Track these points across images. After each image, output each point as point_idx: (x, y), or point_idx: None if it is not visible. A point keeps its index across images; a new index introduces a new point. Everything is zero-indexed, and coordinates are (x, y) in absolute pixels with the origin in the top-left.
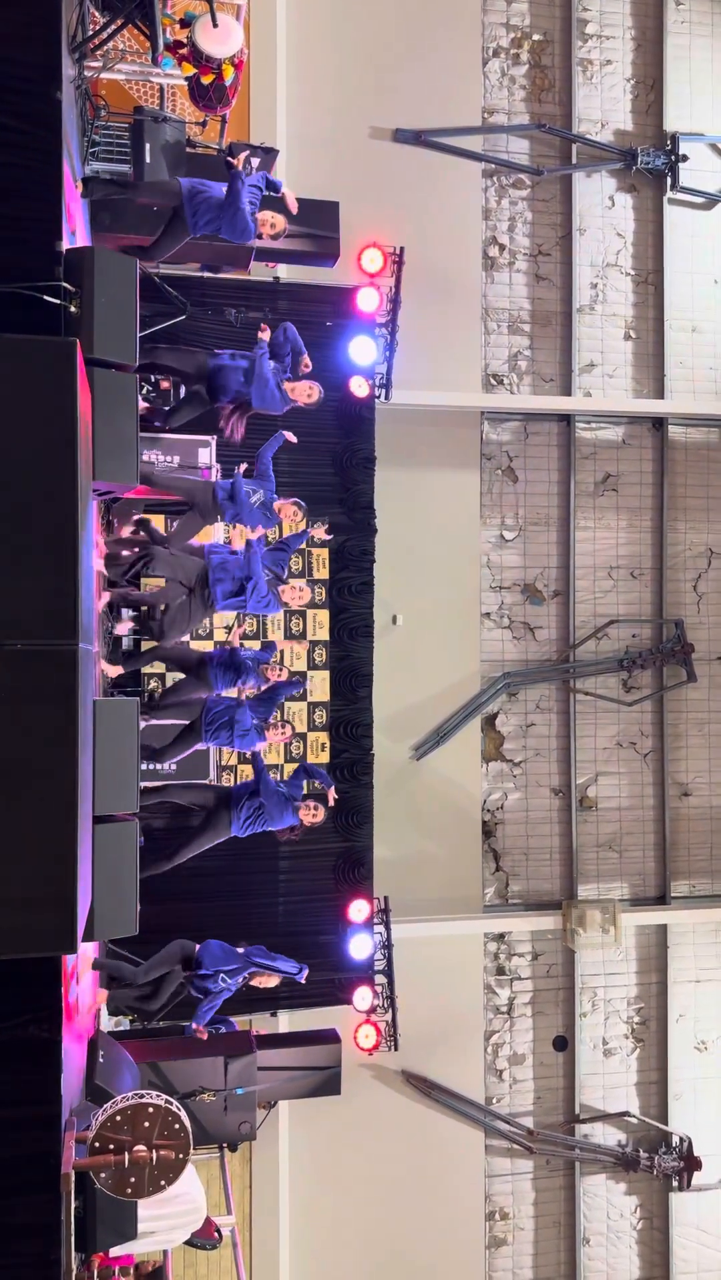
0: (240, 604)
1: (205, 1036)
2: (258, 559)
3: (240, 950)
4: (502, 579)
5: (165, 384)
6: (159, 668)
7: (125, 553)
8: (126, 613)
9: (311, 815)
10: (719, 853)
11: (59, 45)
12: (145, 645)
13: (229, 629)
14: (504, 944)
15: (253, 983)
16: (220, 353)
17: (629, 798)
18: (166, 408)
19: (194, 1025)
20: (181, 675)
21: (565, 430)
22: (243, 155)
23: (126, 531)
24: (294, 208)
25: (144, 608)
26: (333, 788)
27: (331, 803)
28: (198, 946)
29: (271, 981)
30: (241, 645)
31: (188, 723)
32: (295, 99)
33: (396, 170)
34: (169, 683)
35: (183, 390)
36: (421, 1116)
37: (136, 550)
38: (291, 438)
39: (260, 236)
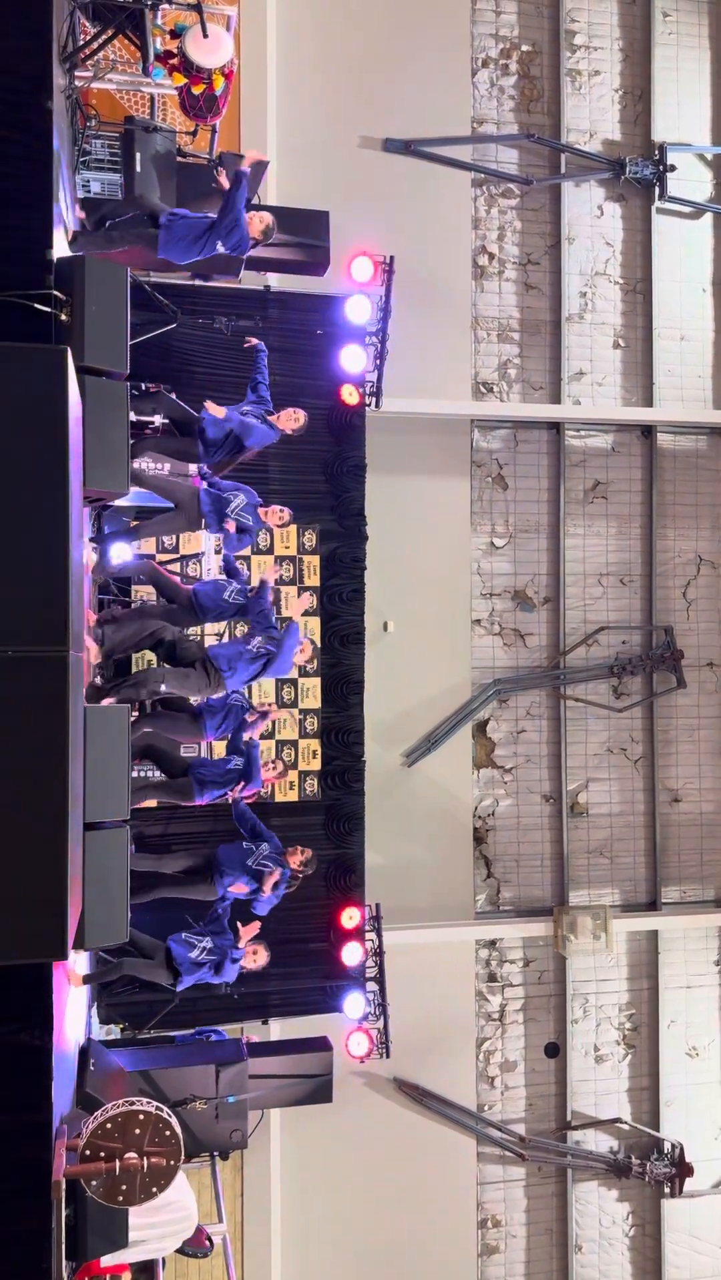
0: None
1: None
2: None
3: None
4: (493, 586)
5: (153, 385)
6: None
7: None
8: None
9: (298, 858)
10: (709, 858)
11: (49, 55)
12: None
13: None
14: (495, 951)
15: (244, 964)
16: (205, 417)
17: (619, 804)
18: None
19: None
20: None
21: (555, 438)
22: (225, 174)
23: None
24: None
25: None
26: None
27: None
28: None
29: (260, 959)
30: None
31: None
32: (285, 109)
33: (386, 180)
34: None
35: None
36: (413, 1124)
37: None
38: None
39: (255, 243)
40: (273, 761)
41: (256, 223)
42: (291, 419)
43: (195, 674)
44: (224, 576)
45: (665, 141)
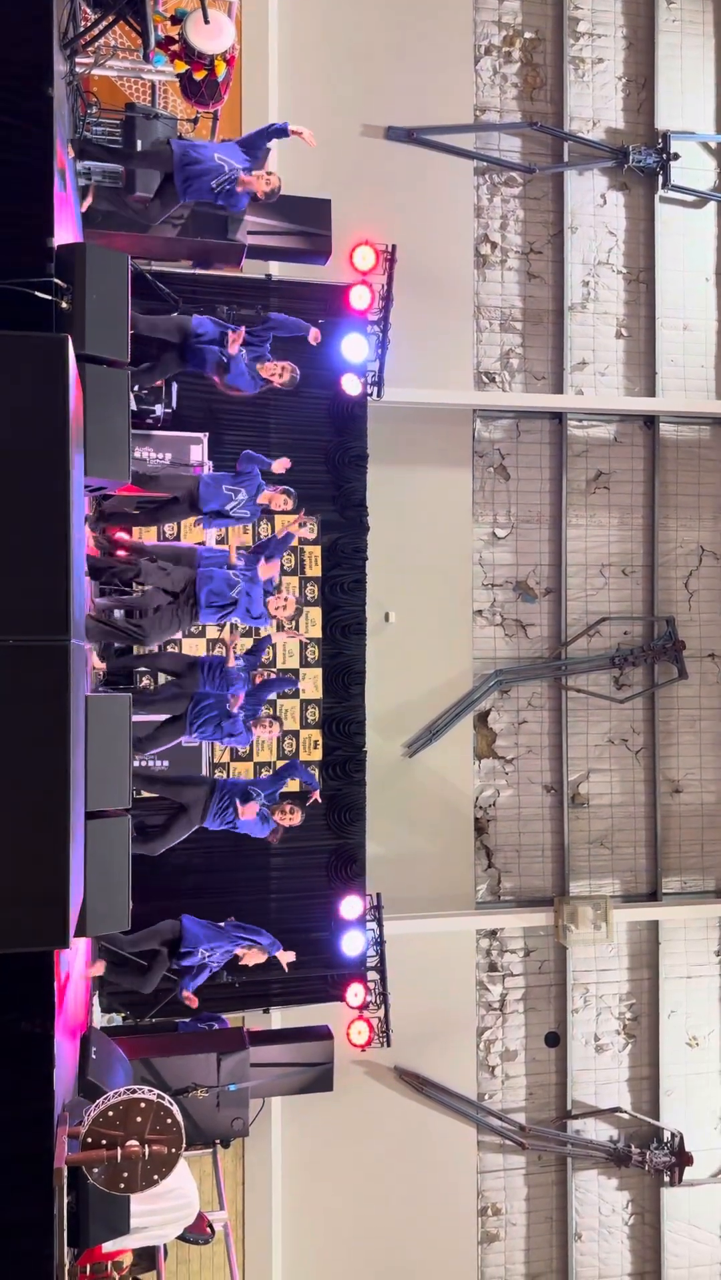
0: (226, 616)
1: (195, 1003)
2: (255, 586)
3: (221, 925)
4: (495, 576)
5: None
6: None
7: (115, 558)
8: (117, 614)
9: (288, 818)
10: (710, 849)
11: (50, 41)
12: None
13: (219, 634)
14: (496, 940)
15: (242, 960)
16: (202, 321)
17: (620, 794)
18: (145, 391)
19: (183, 991)
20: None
21: (557, 428)
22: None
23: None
24: (312, 142)
25: (131, 612)
26: (317, 790)
27: (312, 802)
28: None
29: (258, 957)
30: (237, 656)
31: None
32: (287, 96)
33: (388, 168)
34: (160, 680)
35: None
36: (414, 1112)
37: (126, 558)
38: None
39: (255, 198)
40: (269, 722)
41: (262, 182)
42: (277, 371)
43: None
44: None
45: (668, 130)
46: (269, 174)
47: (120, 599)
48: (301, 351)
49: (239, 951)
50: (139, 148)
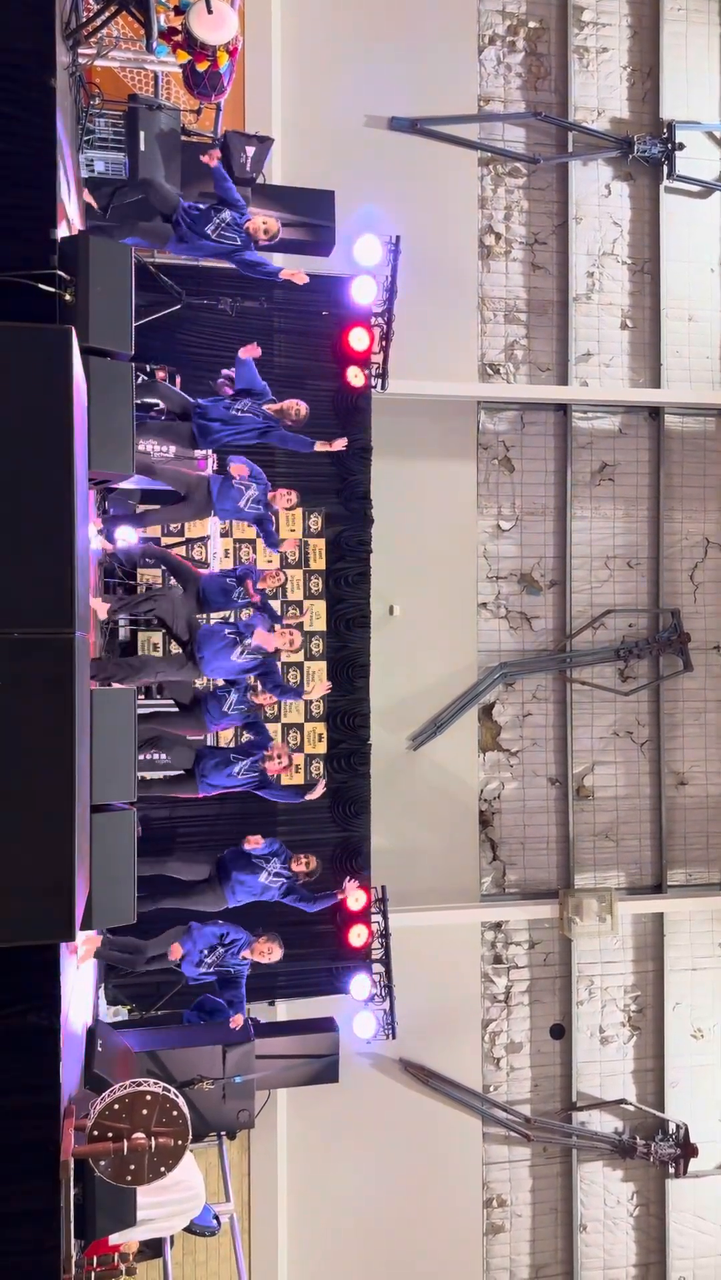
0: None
1: (240, 1024)
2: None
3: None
4: (499, 569)
5: (161, 374)
6: (155, 640)
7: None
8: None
9: (304, 867)
10: (715, 841)
11: (53, 32)
12: (141, 636)
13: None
14: (501, 933)
15: (258, 959)
16: (204, 406)
17: (625, 787)
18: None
19: (233, 1016)
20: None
21: (561, 420)
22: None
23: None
24: (303, 279)
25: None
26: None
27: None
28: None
29: (275, 955)
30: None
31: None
32: (290, 86)
33: (392, 159)
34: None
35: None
36: (419, 1105)
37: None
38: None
39: (257, 244)
40: (279, 754)
41: (263, 232)
42: (294, 410)
43: (177, 656)
44: (229, 567)
45: (673, 119)
46: (265, 222)
47: (126, 599)
48: (305, 344)
49: (251, 951)
50: (142, 144)
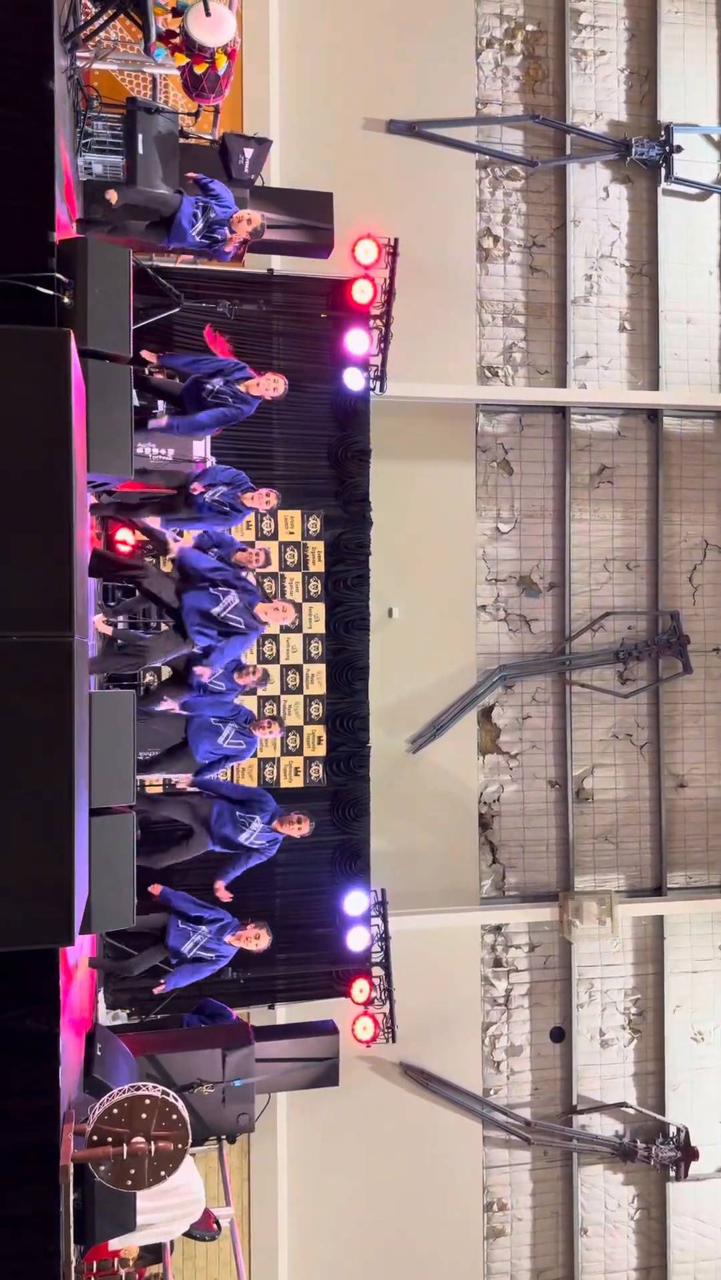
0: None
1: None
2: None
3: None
4: (498, 571)
5: (149, 355)
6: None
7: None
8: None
9: (298, 828)
10: (715, 844)
11: (51, 35)
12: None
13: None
14: (501, 936)
15: (245, 945)
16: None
17: (625, 789)
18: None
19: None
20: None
21: (560, 422)
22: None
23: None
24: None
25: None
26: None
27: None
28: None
29: (263, 941)
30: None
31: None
32: (288, 89)
33: (390, 162)
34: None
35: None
36: (419, 1108)
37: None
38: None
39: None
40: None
41: (244, 224)
42: (271, 385)
43: (168, 633)
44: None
45: (671, 122)
46: (249, 217)
47: (125, 604)
48: (303, 346)
49: (237, 937)
50: (140, 147)
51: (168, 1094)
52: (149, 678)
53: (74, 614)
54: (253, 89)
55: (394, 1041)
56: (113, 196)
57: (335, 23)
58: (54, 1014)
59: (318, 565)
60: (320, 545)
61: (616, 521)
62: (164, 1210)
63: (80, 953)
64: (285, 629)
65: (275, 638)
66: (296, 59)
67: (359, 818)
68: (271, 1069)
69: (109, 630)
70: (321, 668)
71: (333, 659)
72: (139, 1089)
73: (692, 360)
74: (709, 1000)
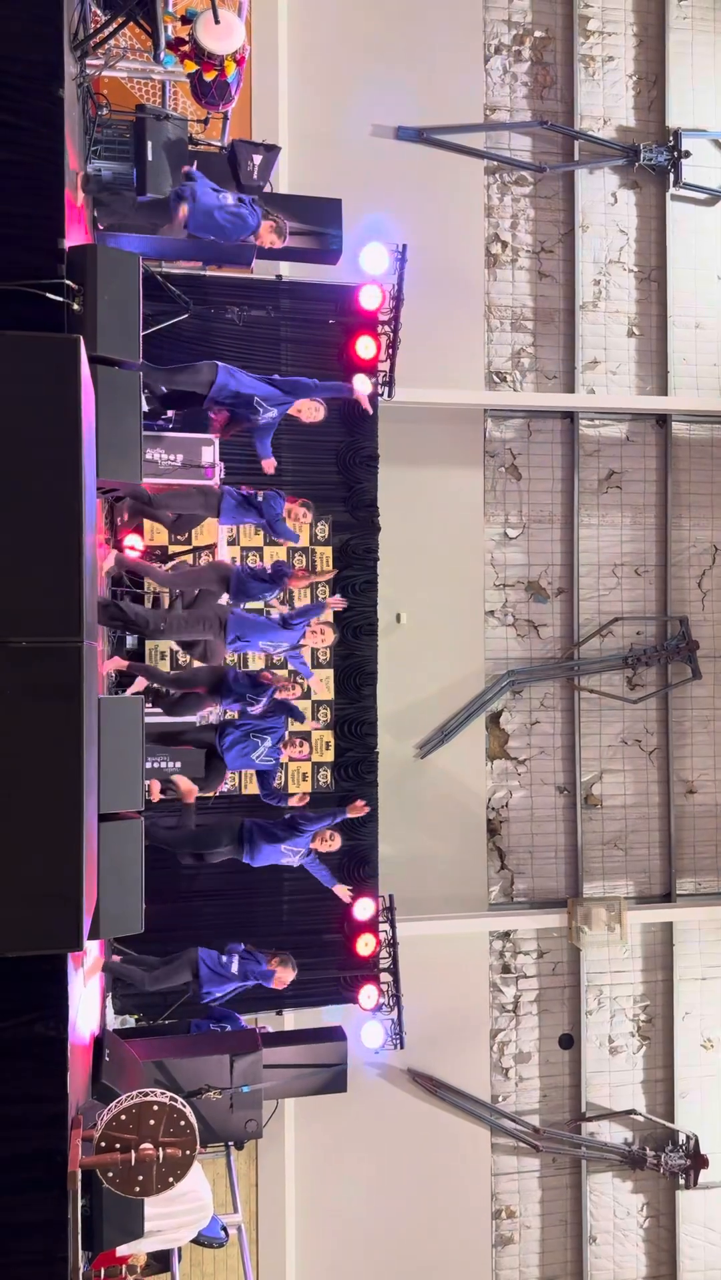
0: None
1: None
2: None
3: (225, 961)
4: (506, 577)
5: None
6: (165, 648)
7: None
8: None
9: (328, 844)
10: None
11: (60, 43)
12: (149, 644)
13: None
14: (509, 942)
15: (274, 983)
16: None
17: (634, 795)
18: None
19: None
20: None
21: (568, 427)
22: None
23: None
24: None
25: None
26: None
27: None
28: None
29: (287, 977)
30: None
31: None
32: (297, 96)
33: (399, 168)
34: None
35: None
36: (427, 1115)
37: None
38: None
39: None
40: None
41: (267, 235)
42: (312, 409)
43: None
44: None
45: (680, 127)
46: (274, 226)
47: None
48: (312, 352)
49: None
50: (149, 155)
51: (176, 1100)
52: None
53: (83, 619)
54: (262, 96)
55: (402, 1048)
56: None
57: (343, 30)
58: (62, 1019)
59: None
60: (328, 550)
61: (625, 527)
62: (172, 1217)
63: (89, 958)
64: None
65: None
66: (305, 66)
67: (366, 823)
68: (279, 1075)
69: (124, 665)
70: (329, 673)
71: (341, 664)
72: (147, 1095)
73: (701, 365)
74: (718, 1007)
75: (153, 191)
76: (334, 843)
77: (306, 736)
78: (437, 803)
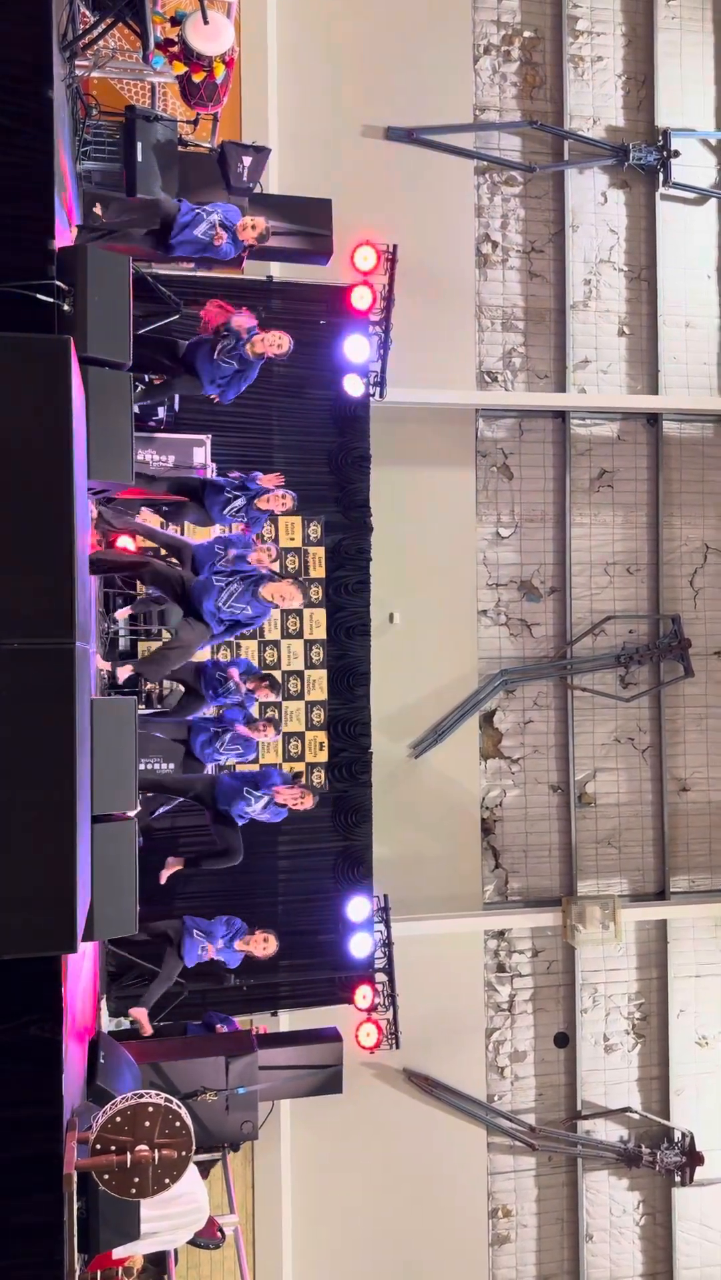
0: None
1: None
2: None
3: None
4: (499, 576)
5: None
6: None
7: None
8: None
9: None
10: (718, 848)
11: (49, 44)
12: (141, 645)
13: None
14: (504, 941)
15: (253, 951)
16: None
17: (627, 794)
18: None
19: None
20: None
21: (560, 427)
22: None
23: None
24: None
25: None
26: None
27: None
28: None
29: (270, 948)
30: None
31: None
32: (287, 97)
33: (389, 168)
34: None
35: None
36: (423, 1114)
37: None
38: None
39: (248, 248)
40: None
41: (249, 230)
42: (275, 342)
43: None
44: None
45: (669, 127)
46: (253, 223)
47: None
48: (303, 352)
49: (245, 942)
50: (139, 155)
51: (171, 1101)
52: (150, 685)
53: (75, 621)
54: (251, 97)
55: (397, 1048)
56: (99, 210)
57: (333, 30)
58: (57, 1022)
59: (318, 571)
60: (320, 551)
61: (616, 526)
62: (168, 1219)
63: (84, 960)
64: (286, 635)
65: (276, 643)
66: (294, 67)
67: (361, 823)
68: (275, 1076)
69: (112, 668)
70: (322, 673)
71: (334, 665)
72: (142, 1097)
73: (692, 364)
74: (713, 1004)
75: (142, 192)
76: (306, 801)
77: (274, 721)
78: (432, 802)
